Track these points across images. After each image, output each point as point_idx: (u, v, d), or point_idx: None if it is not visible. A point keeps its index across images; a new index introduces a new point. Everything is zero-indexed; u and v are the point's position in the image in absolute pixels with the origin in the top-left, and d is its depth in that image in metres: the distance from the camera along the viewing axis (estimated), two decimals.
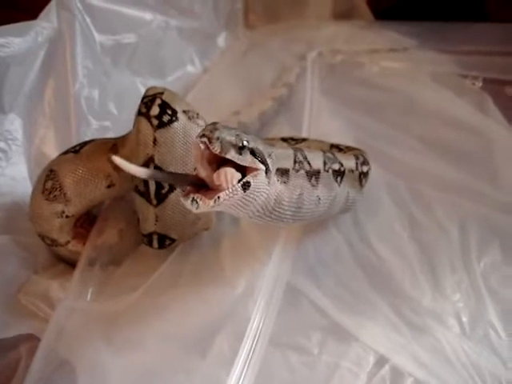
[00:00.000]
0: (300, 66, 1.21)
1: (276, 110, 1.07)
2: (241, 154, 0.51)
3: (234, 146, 0.50)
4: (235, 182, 0.50)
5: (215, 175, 0.49)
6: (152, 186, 0.66)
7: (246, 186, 0.51)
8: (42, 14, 0.82)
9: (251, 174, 0.52)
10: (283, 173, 0.59)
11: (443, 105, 1.04)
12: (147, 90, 0.69)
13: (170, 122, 0.65)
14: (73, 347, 0.64)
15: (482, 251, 0.73)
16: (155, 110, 0.65)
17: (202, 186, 0.51)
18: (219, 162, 0.50)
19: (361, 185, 0.75)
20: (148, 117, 0.65)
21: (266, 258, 0.69)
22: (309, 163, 0.63)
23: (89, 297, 0.70)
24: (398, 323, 0.65)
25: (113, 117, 0.94)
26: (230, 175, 0.50)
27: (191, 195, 0.50)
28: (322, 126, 1.00)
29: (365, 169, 0.75)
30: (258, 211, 0.56)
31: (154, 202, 0.67)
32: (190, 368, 0.60)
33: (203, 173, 0.50)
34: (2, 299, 0.71)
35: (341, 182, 0.68)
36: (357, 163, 0.73)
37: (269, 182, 0.55)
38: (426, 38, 1.24)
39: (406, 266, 0.72)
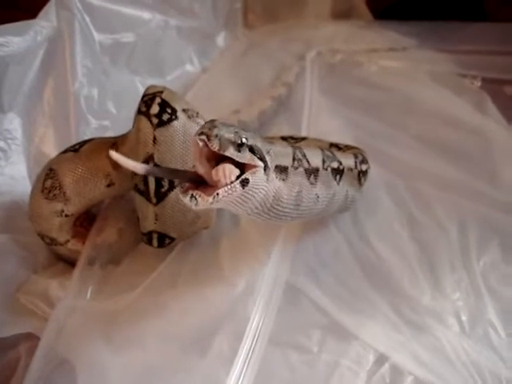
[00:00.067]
0: (299, 66, 1.21)
1: (275, 110, 1.07)
2: (239, 151, 0.51)
3: (233, 143, 0.50)
4: (233, 177, 0.50)
5: (214, 171, 0.50)
6: (152, 185, 0.66)
7: (244, 182, 0.51)
8: (42, 14, 0.82)
9: (250, 171, 0.52)
10: (282, 170, 0.59)
11: (442, 104, 1.04)
12: (147, 89, 0.69)
13: (170, 120, 0.65)
14: (72, 346, 0.64)
15: (481, 250, 0.73)
16: (155, 109, 0.65)
17: (201, 183, 0.51)
18: (218, 158, 0.50)
19: (360, 184, 0.75)
20: (148, 115, 0.65)
21: (266, 257, 0.69)
22: (308, 161, 0.63)
23: (88, 296, 0.70)
24: (398, 322, 0.65)
25: (112, 116, 0.94)
26: (229, 171, 0.50)
27: (190, 192, 0.50)
28: (321, 125, 1.00)
29: (364, 167, 0.75)
30: (256, 208, 0.56)
31: (154, 200, 0.67)
32: (189, 367, 0.60)
33: (202, 169, 0.50)
34: (2, 298, 0.70)
35: (340, 180, 0.69)
36: (356, 162, 0.73)
37: (267, 179, 0.55)
38: (424, 38, 1.25)
39: (405, 265, 0.72)
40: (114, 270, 0.74)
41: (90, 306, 0.69)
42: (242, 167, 0.52)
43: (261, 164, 0.53)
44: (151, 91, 0.68)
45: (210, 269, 0.70)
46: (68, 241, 0.73)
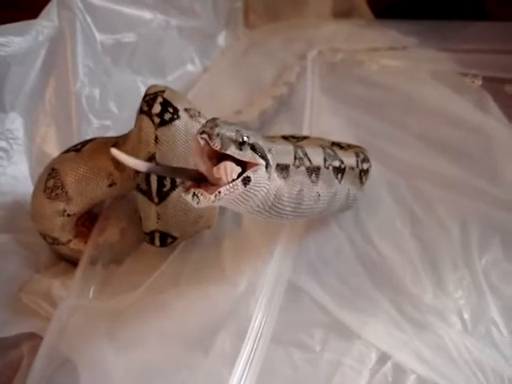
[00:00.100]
0: (300, 65, 1.21)
1: (276, 109, 1.07)
2: (241, 149, 0.51)
3: (235, 141, 0.50)
4: (235, 175, 0.50)
5: (215, 169, 0.50)
6: (154, 184, 0.66)
7: (246, 180, 0.51)
8: (43, 13, 0.82)
9: (251, 169, 0.52)
10: (283, 168, 0.59)
11: (443, 103, 1.04)
12: (149, 89, 0.69)
13: (172, 120, 0.65)
14: (75, 345, 0.64)
15: (483, 248, 0.73)
16: (157, 108, 0.65)
17: (202, 181, 0.51)
18: (219, 156, 0.50)
19: (361, 182, 0.75)
20: (150, 115, 0.65)
21: (268, 256, 0.69)
22: (309, 159, 0.63)
23: (91, 295, 0.70)
24: (400, 320, 0.65)
25: (113, 116, 0.94)
26: (230, 169, 0.50)
27: (192, 190, 0.50)
28: (323, 124, 1.00)
29: (365, 166, 0.75)
30: (257, 206, 0.56)
31: (156, 200, 0.67)
32: (192, 366, 0.60)
33: (203, 167, 0.51)
34: (4, 298, 0.71)
35: (341, 179, 0.69)
36: (357, 160, 0.73)
37: (269, 177, 0.55)
38: (425, 37, 1.24)
39: (407, 264, 0.72)
40: (117, 269, 0.74)
41: (93, 306, 0.69)
42: (244, 165, 0.52)
43: (262, 162, 0.53)
44: (153, 91, 0.68)
45: (212, 268, 0.70)
46: (70, 240, 0.74)
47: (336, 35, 1.34)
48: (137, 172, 0.67)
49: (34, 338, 0.66)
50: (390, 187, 0.85)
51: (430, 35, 1.24)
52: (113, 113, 0.94)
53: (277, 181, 0.57)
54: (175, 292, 0.68)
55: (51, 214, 0.70)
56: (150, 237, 0.71)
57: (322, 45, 1.29)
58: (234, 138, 0.50)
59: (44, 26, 0.81)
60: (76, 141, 0.79)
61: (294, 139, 0.80)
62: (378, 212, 0.81)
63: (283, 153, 0.60)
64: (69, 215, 0.71)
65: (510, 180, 0.84)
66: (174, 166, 0.65)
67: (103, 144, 0.71)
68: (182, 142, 0.66)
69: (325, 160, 0.66)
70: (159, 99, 0.66)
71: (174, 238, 0.71)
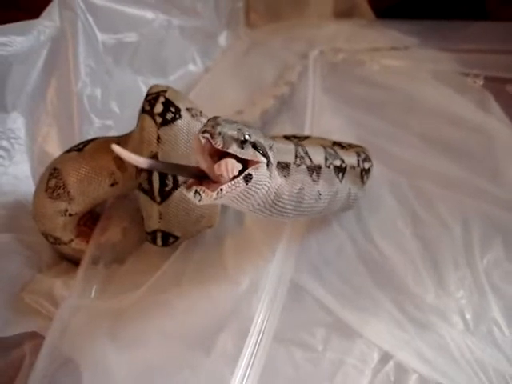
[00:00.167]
0: (302, 65, 1.21)
1: (278, 109, 1.07)
2: (243, 147, 0.51)
3: (236, 140, 0.50)
4: (236, 172, 0.50)
5: (216, 166, 0.50)
6: (156, 184, 0.66)
7: (247, 178, 0.51)
8: (45, 13, 0.82)
9: (253, 167, 0.52)
10: (284, 167, 0.59)
11: (444, 103, 1.04)
12: (150, 88, 0.69)
13: (174, 119, 0.65)
14: (77, 345, 0.64)
15: (484, 248, 0.74)
16: (159, 108, 0.65)
17: (204, 178, 0.51)
18: (220, 154, 0.50)
19: (363, 182, 0.75)
20: (152, 114, 0.65)
21: (270, 255, 0.70)
22: (310, 158, 0.63)
23: (93, 295, 0.70)
24: (402, 320, 0.65)
25: (115, 115, 0.94)
26: (231, 165, 0.50)
27: (194, 187, 0.50)
28: (324, 123, 1.00)
29: (366, 166, 0.75)
30: (258, 204, 0.56)
31: (158, 199, 0.67)
32: (194, 365, 0.60)
33: (204, 164, 0.51)
34: (6, 298, 0.70)
35: (342, 178, 0.69)
36: (358, 160, 0.73)
37: (270, 175, 0.55)
38: (426, 37, 1.24)
39: (408, 263, 0.72)
40: (118, 269, 0.74)
41: (95, 305, 0.69)
42: (245, 163, 0.52)
43: (264, 160, 0.53)
44: (155, 90, 0.68)
45: (214, 267, 0.70)
46: (72, 240, 0.74)
47: (337, 35, 1.34)
48: (139, 171, 0.67)
49: (36, 338, 0.66)
50: (392, 187, 0.85)
51: (431, 35, 1.24)
52: (114, 112, 0.94)
53: (277, 179, 0.58)
54: (177, 291, 0.68)
55: (53, 214, 0.70)
56: (151, 236, 0.71)
57: (324, 45, 1.29)
58: (235, 137, 0.50)
59: (46, 25, 0.81)
60: (78, 140, 0.79)
61: (296, 139, 0.80)
62: (379, 211, 0.81)
63: (284, 151, 0.60)
64: (71, 215, 0.71)
65: (511, 179, 0.84)
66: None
67: (105, 144, 0.71)
68: (184, 142, 0.66)
69: (326, 159, 0.66)
70: (161, 99, 0.66)
71: (176, 238, 0.71)
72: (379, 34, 1.33)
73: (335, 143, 0.79)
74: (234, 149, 0.50)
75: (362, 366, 0.61)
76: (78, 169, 0.69)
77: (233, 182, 0.50)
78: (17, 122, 0.81)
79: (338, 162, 0.68)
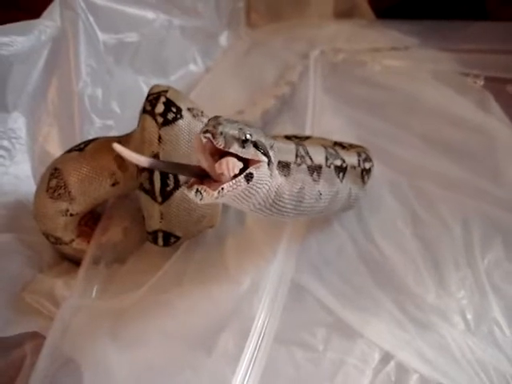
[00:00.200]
0: (303, 65, 1.21)
1: (279, 109, 1.07)
2: (244, 147, 0.51)
3: (237, 139, 0.51)
4: (237, 170, 0.50)
5: (217, 165, 0.50)
6: (157, 184, 0.66)
7: (249, 177, 0.52)
8: (46, 13, 0.82)
9: (254, 166, 0.52)
10: (285, 166, 0.59)
11: (445, 103, 1.04)
12: (152, 88, 0.69)
13: (175, 119, 0.65)
14: (78, 345, 0.64)
15: (485, 248, 0.74)
16: (160, 108, 0.65)
17: (205, 177, 0.51)
18: (221, 153, 0.51)
19: (363, 182, 0.75)
20: (153, 114, 0.65)
21: (271, 256, 0.70)
22: (310, 158, 0.64)
23: (94, 295, 0.70)
24: (403, 320, 0.65)
25: (116, 115, 0.94)
26: (232, 164, 0.50)
27: (195, 186, 0.50)
28: (325, 124, 1.00)
29: (367, 166, 0.75)
30: (259, 204, 0.56)
31: (159, 199, 0.67)
32: (195, 365, 0.60)
33: (205, 164, 0.51)
34: (7, 297, 0.70)
35: (343, 178, 0.69)
36: (359, 160, 0.73)
37: (271, 174, 0.55)
38: (427, 37, 1.24)
39: (409, 263, 0.72)
40: (119, 268, 0.74)
41: (96, 305, 0.69)
42: (246, 162, 0.52)
43: (265, 159, 0.54)
44: (156, 90, 0.68)
45: (215, 267, 0.70)
46: (73, 240, 0.74)
47: (338, 35, 1.34)
48: (140, 171, 0.67)
49: (37, 338, 0.66)
50: (392, 187, 0.85)
51: (432, 35, 1.24)
52: (115, 112, 0.94)
53: (278, 178, 0.58)
54: (178, 291, 0.68)
55: (54, 214, 0.70)
56: (153, 236, 0.71)
57: (324, 45, 1.28)
58: (237, 136, 0.50)
59: (46, 25, 0.81)
60: (78, 140, 0.79)
61: (297, 139, 0.80)
62: (380, 211, 0.81)
63: (285, 151, 0.60)
64: (72, 215, 0.71)
65: (511, 180, 0.84)
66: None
67: (106, 143, 0.71)
68: (185, 142, 0.66)
69: (326, 159, 0.66)
70: (162, 99, 0.66)
71: (177, 238, 0.71)
72: (379, 34, 1.32)
73: (336, 143, 0.79)
74: (235, 148, 0.50)
75: (363, 366, 0.61)
76: (78, 169, 0.69)
77: (234, 181, 0.50)
78: (18, 122, 0.81)
79: (338, 162, 0.68)
